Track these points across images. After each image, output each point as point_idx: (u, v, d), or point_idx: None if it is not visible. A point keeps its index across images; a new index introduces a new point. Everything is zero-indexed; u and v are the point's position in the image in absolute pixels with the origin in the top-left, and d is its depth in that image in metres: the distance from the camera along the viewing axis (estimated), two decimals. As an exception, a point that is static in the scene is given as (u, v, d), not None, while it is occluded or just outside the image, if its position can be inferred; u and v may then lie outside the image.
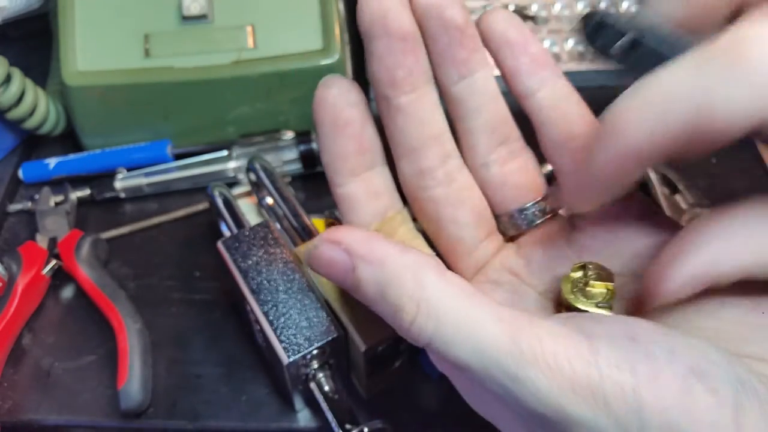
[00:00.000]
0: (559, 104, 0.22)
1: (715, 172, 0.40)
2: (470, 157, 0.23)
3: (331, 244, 0.19)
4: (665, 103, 0.16)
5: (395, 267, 0.18)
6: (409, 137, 0.22)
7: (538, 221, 0.23)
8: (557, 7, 0.49)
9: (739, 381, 0.16)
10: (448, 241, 0.23)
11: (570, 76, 0.50)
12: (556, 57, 0.46)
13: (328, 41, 0.38)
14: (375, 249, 0.19)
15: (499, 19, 0.22)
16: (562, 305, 0.21)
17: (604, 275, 0.21)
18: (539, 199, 0.23)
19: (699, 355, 0.16)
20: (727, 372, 0.16)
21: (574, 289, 0.21)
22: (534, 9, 0.49)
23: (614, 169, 0.17)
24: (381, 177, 0.23)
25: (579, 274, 0.21)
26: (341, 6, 0.41)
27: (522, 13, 0.48)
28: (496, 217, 0.24)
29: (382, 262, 0.18)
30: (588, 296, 0.20)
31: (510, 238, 0.24)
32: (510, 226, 0.24)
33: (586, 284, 0.20)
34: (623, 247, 0.22)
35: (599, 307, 0.20)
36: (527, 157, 0.24)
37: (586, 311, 0.20)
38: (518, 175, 0.23)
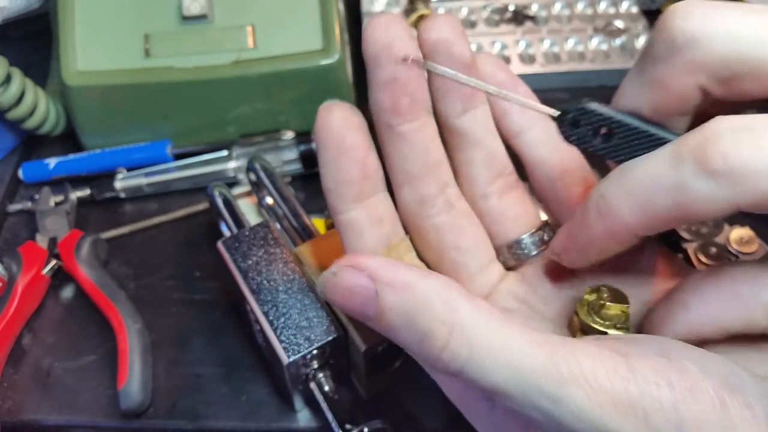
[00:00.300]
0: (549, 142, 0.23)
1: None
2: (468, 189, 0.23)
3: (352, 271, 0.18)
4: (648, 194, 0.17)
5: (423, 292, 0.18)
6: (412, 164, 0.22)
7: (538, 251, 0.23)
8: (557, 7, 0.49)
9: (767, 396, 0.16)
10: (451, 268, 0.23)
11: (570, 76, 0.50)
12: (556, 57, 0.46)
13: (328, 41, 0.38)
14: (400, 274, 0.18)
15: (487, 62, 0.23)
16: (576, 329, 0.21)
17: (619, 297, 0.21)
18: (537, 229, 0.24)
19: (729, 371, 0.17)
20: (756, 388, 0.16)
21: (590, 312, 0.21)
22: (534, 9, 0.49)
23: (606, 242, 0.19)
24: (384, 204, 0.23)
25: (593, 297, 0.21)
26: (341, 6, 0.41)
27: (522, 13, 0.48)
28: (496, 248, 0.24)
29: (409, 287, 0.18)
30: (604, 318, 0.20)
31: (509, 268, 0.24)
32: (510, 257, 0.24)
33: (602, 306, 0.21)
34: (625, 277, 0.22)
35: (618, 329, 0.20)
36: (522, 189, 0.24)
37: (605, 332, 0.20)
38: (516, 206, 0.24)
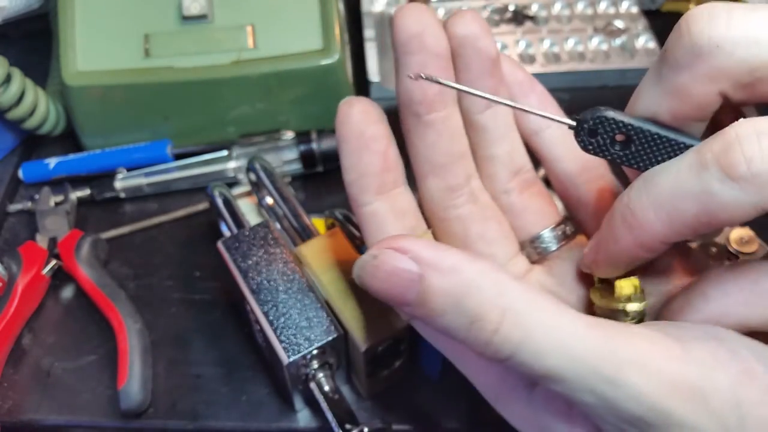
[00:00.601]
0: (566, 140, 0.23)
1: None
2: (489, 185, 0.24)
3: (394, 253, 0.18)
4: (674, 203, 0.17)
5: (472, 275, 0.17)
6: (438, 153, 0.22)
7: (559, 245, 0.24)
8: (557, 7, 0.49)
9: None
10: None
11: (570, 76, 0.50)
12: (556, 57, 0.46)
13: (328, 41, 0.38)
14: (447, 256, 0.17)
15: (505, 62, 0.23)
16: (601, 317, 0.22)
17: (626, 274, 0.21)
18: (558, 224, 0.24)
19: None
20: None
21: (604, 295, 0.21)
22: (534, 9, 0.49)
23: (635, 252, 0.19)
24: (406, 196, 0.23)
25: (603, 283, 0.21)
26: (341, 6, 0.41)
27: (522, 13, 0.48)
28: (519, 243, 0.24)
29: (457, 270, 0.17)
30: (618, 296, 0.21)
31: (533, 263, 0.24)
32: (533, 251, 0.24)
33: (612, 286, 0.21)
34: (647, 273, 0.22)
35: (633, 301, 0.21)
36: (541, 185, 0.24)
37: (624, 310, 0.20)
38: (536, 202, 0.24)
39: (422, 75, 0.20)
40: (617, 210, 0.19)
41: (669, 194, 0.17)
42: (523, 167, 0.24)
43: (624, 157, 0.19)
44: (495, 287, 0.17)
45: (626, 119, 0.19)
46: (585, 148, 0.20)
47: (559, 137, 0.24)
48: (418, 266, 0.17)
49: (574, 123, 0.19)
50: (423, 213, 0.24)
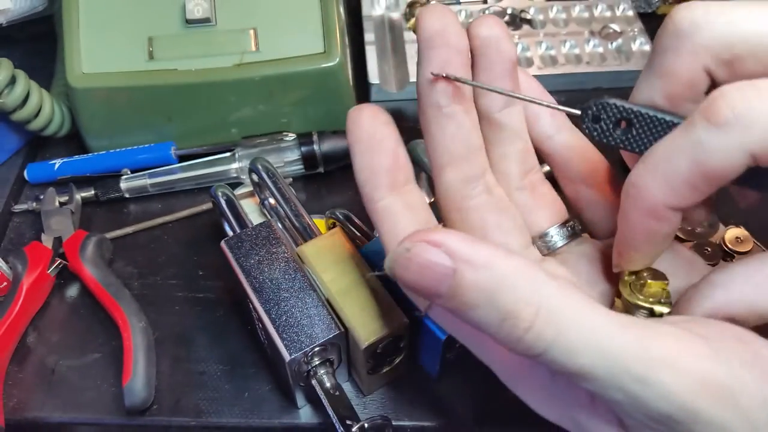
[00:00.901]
0: (578, 144, 0.25)
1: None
2: (503, 182, 0.24)
3: (427, 246, 0.18)
4: (668, 162, 0.18)
5: (506, 270, 0.17)
6: (457, 144, 0.23)
7: (566, 242, 0.25)
8: (554, 11, 0.49)
9: None
10: None
11: (567, 78, 0.50)
12: (553, 60, 0.46)
13: (329, 44, 0.39)
14: (481, 251, 0.17)
15: (519, 72, 0.25)
16: (620, 310, 0.22)
17: (658, 275, 0.22)
18: (564, 222, 0.25)
19: None
20: None
21: (633, 291, 0.22)
22: (531, 12, 0.49)
23: (648, 224, 0.20)
24: (416, 193, 0.24)
25: (633, 277, 0.22)
26: (342, 10, 0.42)
27: (519, 17, 0.49)
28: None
29: (492, 265, 0.17)
30: (647, 295, 0.21)
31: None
32: (542, 246, 0.25)
33: (643, 285, 0.22)
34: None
35: (661, 304, 0.21)
36: (549, 185, 0.25)
37: (651, 309, 0.21)
38: (545, 200, 0.25)
39: (444, 74, 0.21)
40: (623, 191, 0.20)
41: (662, 155, 0.18)
42: (534, 167, 0.25)
43: (626, 141, 0.21)
44: (529, 284, 0.17)
45: (627, 104, 0.20)
46: (590, 135, 0.21)
47: (570, 141, 0.25)
48: (452, 260, 0.17)
49: (579, 112, 0.21)
50: (438, 206, 0.24)
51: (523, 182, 0.25)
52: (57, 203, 0.39)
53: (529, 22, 0.48)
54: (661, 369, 0.16)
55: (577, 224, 0.25)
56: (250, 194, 0.38)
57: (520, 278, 0.17)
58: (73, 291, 0.37)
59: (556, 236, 0.25)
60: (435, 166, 0.23)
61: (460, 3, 0.49)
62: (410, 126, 0.44)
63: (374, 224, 0.24)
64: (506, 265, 0.17)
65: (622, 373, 0.16)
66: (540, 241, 0.25)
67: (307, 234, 0.33)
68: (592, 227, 0.26)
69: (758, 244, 0.35)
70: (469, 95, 0.23)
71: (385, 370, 0.31)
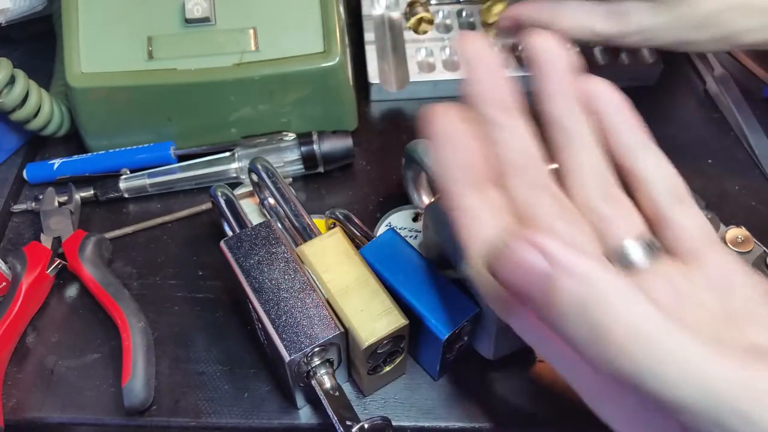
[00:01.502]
0: (662, 164, 0.24)
1: (710, 173, 0.41)
2: (579, 191, 0.23)
3: (526, 246, 0.17)
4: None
5: (605, 284, 0.16)
6: (517, 154, 0.22)
7: (643, 258, 0.22)
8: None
9: None
10: None
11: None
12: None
13: (329, 44, 0.39)
14: (581, 261, 0.17)
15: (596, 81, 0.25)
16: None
17: None
18: (642, 236, 0.22)
19: None
20: None
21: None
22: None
23: None
24: (499, 194, 0.22)
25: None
26: (342, 9, 0.42)
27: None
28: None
29: (591, 279, 0.16)
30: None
31: None
32: (616, 261, 0.22)
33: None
34: None
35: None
36: (627, 198, 0.23)
37: None
38: (624, 211, 0.23)
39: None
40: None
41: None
42: (610, 177, 0.23)
43: None
44: (628, 306, 0.16)
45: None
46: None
47: (655, 160, 0.23)
48: (549, 264, 0.17)
49: None
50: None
51: (607, 193, 0.23)
52: (56, 203, 0.39)
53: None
54: (766, 404, 0.15)
55: (656, 241, 0.23)
56: (250, 194, 0.38)
57: (618, 295, 0.16)
58: (72, 291, 0.37)
59: (634, 252, 0.22)
60: (500, 179, 0.23)
61: (460, 2, 0.49)
62: (410, 126, 0.44)
63: (453, 222, 0.23)
64: (605, 280, 0.16)
65: (723, 409, 0.15)
66: (614, 255, 0.22)
67: (307, 234, 0.33)
68: (668, 248, 0.23)
69: (758, 243, 0.35)
70: (522, 107, 0.23)
71: (385, 371, 0.30)
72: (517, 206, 0.22)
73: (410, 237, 0.37)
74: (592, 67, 0.46)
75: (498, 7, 0.45)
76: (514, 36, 0.42)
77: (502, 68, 0.23)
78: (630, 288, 0.17)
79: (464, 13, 0.49)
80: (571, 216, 0.22)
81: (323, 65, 0.38)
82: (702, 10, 0.34)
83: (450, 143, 0.22)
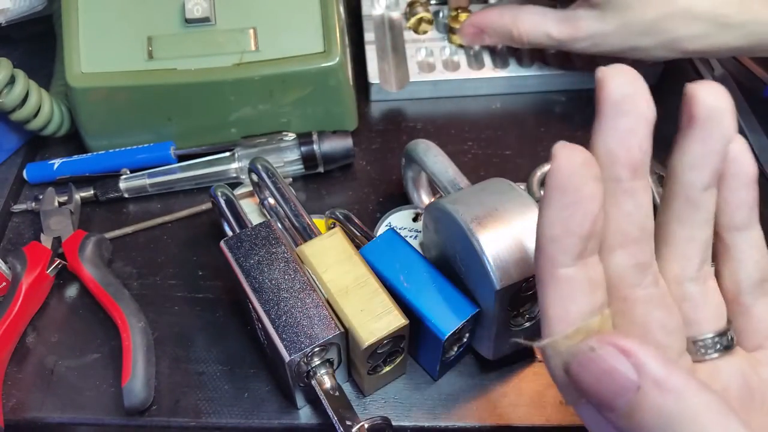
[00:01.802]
0: (762, 247, 0.23)
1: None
2: (679, 268, 0.22)
3: (615, 353, 0.16)
4: None
5: (698, 404, 0.16)
6: (633, 226, 0.20)
7: (718, 354, 0.22)
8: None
9: None
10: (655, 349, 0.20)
11: (567, 78, 0.50)
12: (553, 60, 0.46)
13: (329, 44, 0.39)
14: (673, 376, 0.16)
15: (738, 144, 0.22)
16: None
17: None
18: (724, 330, 0.22)
19: None
20: None
21: None
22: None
23: None
24: (599, 268, 0.20)
25: None
26: (342, 9, 0.42)
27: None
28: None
29: (682, 395, 0.16)
30: None
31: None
32: (694, 351, 0.22)
33: None
34: None
35: None
36: (715, 281, 0.23)
37: None
38: (712, 298, 0.22)
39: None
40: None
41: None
42: (709, 258, 0.22)
43: None
44: (719, 426, 0.16)
45: None
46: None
47: (757, 241, 0.22)
48: (638, 374, 0.16)
49: None
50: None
51: (700, 273, 0.22)
52: (56, 203, 0.39)
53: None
54: None
55: (733, 334, 0.22)
56: (250, 194, 0.38)
57: (711, 417, 0.16)
58: (72, 291, 0.37)
59: (712, 346, 0.21)
60: (605, 246, 0.20)
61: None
62: (410, 126, 0.44)
63: (541, 290, 0.20)
64: (699, 399, 0.16)
65: None
66: (693, 345, 0.22)
67: (307, 234, 0.33)
68: (740, 337, 0.23)
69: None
70: (647, 171, 0.20)
71: (385, 370, 0.30)
72: (613, 281, 0.21)
73: (410, 237, 0.37)
74: (592, 65, 0.46)
75: (464, 16, 0.46)
76: (478, 42, 0.45)
77: (651, 122, 0.20)
78: (724, 409, 0.16)
79: (464, 15, 0.49)
80: (667, 302, 0.21)
81: (323, 65, 0.38)
82: (646, 17, 0.36)
83: (573, 204, 0.19)
